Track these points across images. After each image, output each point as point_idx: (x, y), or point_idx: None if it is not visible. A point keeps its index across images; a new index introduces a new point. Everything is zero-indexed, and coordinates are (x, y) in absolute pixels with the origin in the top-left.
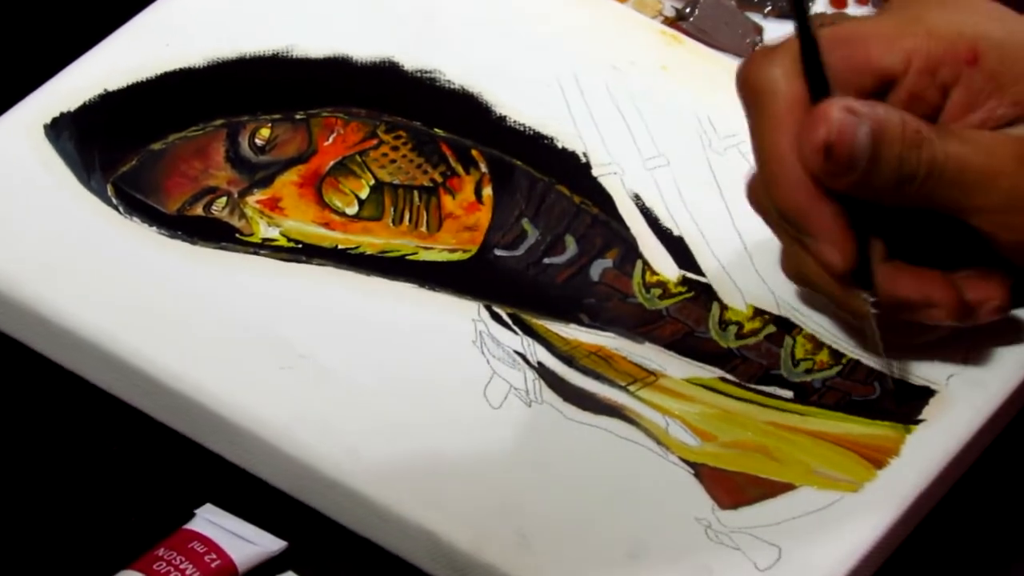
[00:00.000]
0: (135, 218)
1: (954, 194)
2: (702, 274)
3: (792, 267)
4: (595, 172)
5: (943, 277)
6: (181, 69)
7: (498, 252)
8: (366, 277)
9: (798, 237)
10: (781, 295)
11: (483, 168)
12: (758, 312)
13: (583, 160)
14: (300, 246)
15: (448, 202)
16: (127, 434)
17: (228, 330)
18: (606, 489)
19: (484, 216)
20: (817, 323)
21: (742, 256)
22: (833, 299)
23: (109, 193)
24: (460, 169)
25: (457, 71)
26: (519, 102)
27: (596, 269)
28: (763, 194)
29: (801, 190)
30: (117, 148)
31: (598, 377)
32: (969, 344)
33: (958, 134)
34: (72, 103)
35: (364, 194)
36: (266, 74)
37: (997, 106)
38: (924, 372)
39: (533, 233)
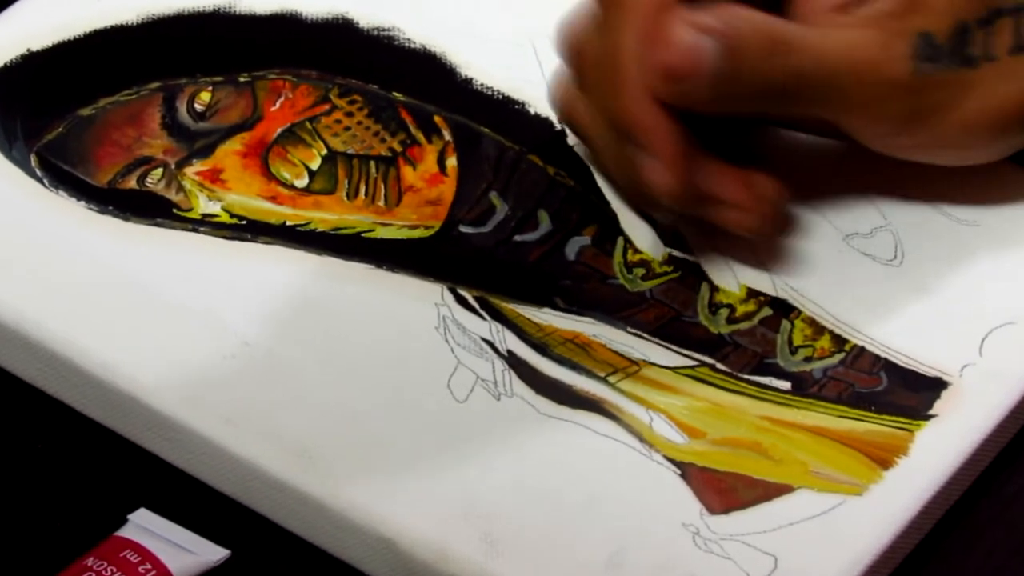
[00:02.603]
0: (61, 191)
1: (818, 98)
2: (690, 252)
3: (620, 166)
4: (570, 140)
5: (742, 175)
6: (113, 27)
7: (463, 229)
8: (318, 257)
9: (626, 145)
10: (778, 274)
11: (447, 136)
12: (752, 293)
13: (557, 127)
14: (244, 222)
15: (408, 174)
16: (52, 431)
17: (165, 316)
18: (583, 491)
19: (448, 189)
20: (818, 305)
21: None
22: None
23: (33, 164)
24: (421, 137)
25: (418, 29)
26: (487, 63)
27: (572, 247)
28: (587, 95)
29: (645, 102)
30: (41, 114)
31: (574, 367)
32: (986, 332)
33: (820, 31)
34: None
35: (315, 165)
36: (207, 32)
37: None
38: (936, 362)
39: (502, 208)
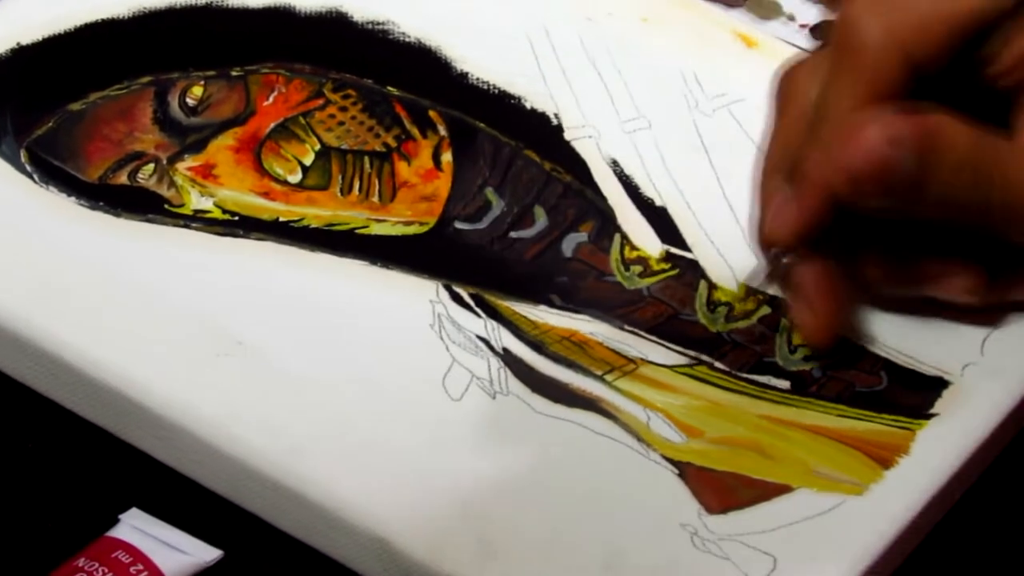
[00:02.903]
0: (51, 187)
1: (1015, 215)
2: (688, 249)
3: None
4: (568, 135)
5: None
6: (104, 20)
7: (459, 225)
8: (311, 253)
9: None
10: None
11: (442, 131)
12: (751, 291)
13: (554, 122)
14: (237, 218)
15: (403, 169)
16: (43, 430)
17: (156, 313)
18: (579, 491)
19: (443, 185)
20: None
21: (733, 229)
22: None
23: (23, 159)
24: (416, 132)
25: (413, 22)
26: (483, 57)
27: (569, 244)
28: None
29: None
30: (31, 109)
31: (571, 365)
32: (987, 331)
33: None
34: None
35: (309, 160)
36: (199, 26)
37: None
38: (937, 361)
39: (498, 204)
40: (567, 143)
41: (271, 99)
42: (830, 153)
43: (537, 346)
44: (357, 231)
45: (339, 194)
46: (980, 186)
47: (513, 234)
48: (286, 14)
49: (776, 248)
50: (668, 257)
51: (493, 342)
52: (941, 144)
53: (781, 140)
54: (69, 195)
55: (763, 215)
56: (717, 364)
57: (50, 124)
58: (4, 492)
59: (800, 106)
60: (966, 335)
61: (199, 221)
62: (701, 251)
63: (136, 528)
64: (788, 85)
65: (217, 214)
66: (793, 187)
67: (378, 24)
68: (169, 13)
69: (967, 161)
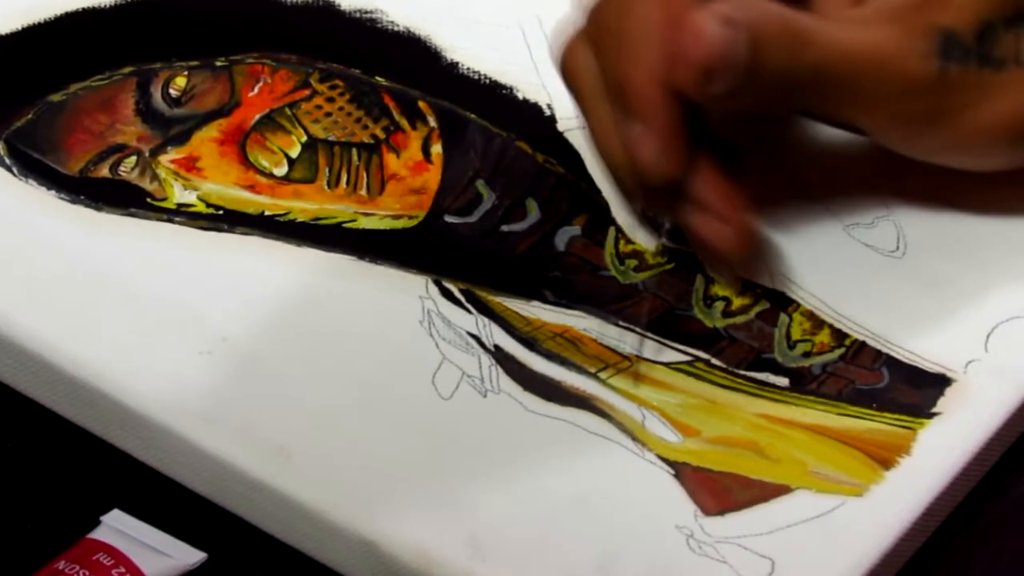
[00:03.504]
0: (31, 180)
1: (837, 95)
2: (684, 243)
3: (607, 134)
4: (560, 126)
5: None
6: (84, 9)
7: (449, 218)
8: (297, 248)
9: (622, 116)
10: (776, 265)
11: (432, 122)
12: (749, 285)
13: (547, 113)
14: (221, 212)
15: (392, 161)
16: (22, 429)
17: (138, 310)
18: (572, 492)
19: (433, 177)
20: (817, 298)
21: None
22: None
23: (1, 151)
24: (405, 123)
25: (402, 11)
26: (474, 47)
27: (562, 237)
28: (594, 52)
29: (655, 79)
30: (10, 100)
31: (564, 362)
32: (991, 327)
33: (840, 25)
34: None
35: (295, 152)
36: (182, 15)
37: None
38: (939, 358)
39: (489, 196)
40: (560, 134)
41: (256, 90)
42: (668, 57)
43: (529, 343)
44: (344, 225)
45: (326, 187)
46: (795, 54)
47: (505, 228)
48: (272, 2)
49: (661, 179)
50: (664, 251)
51: (484, 339)
52: (762, 18)
53: (598, 104)
54: (49, 188)
55: (640, 159)
56: (714, 361)
57: (29, 116)
58: None
59: (590, 70)
60: (970, 331)
61: (182, 215)
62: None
63: (118, 530)
64: (570, 63)
65: (201, 208)
66: (639, 122)
67: (366, 12)
68: (152, 1)
69: (783, 31)
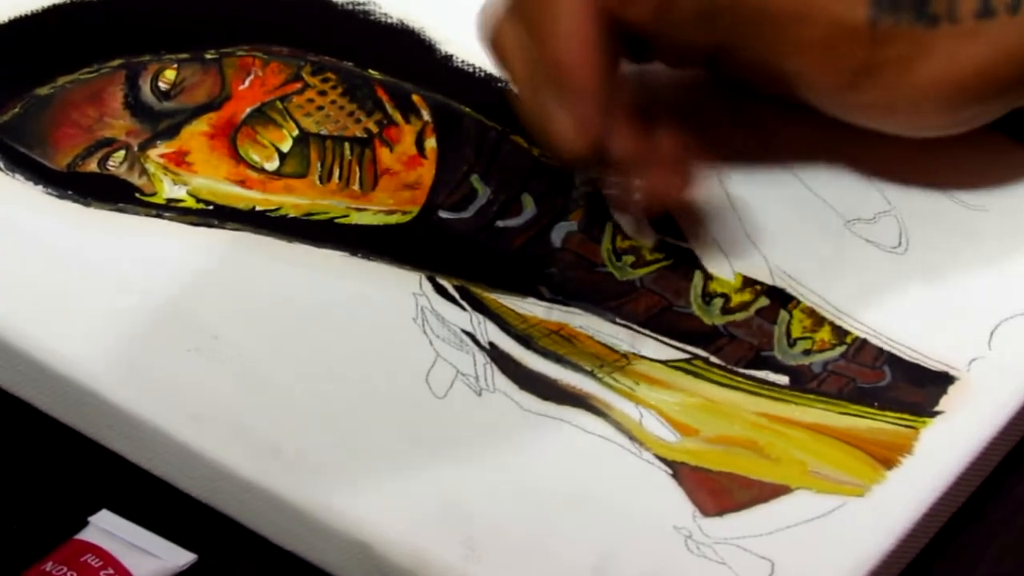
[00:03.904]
0: (18, 175)
1: (761, 30)
2: (683, 238)
3: (536, 107)
4: None
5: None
6: (72, 1)
7: (443, 214)
8: (288, 244)
9: (544, 83)
10: (776, 261)
11: (425, 116)
12: (748, 282)
13: None
14: (211, 207)
15: (385, 156)
16: (9, 429)
17: (127, 307)
18: (568, 493)
19: (427, 172)
20: (818, 295)
21: (730, 216)
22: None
23: None
24: (399, 117)
25: (395, 3)
26: (468, 39)
27: (558, 233)
28: (518, 22)
29: (576, 40)
30: None
31: (560, 360)
32: (995, 324)
33: None
34: None
35: (286, 147)
36: (172, 6)
37: None
38: (942, 355)
39: (484, 192)
40: None
41: (247, 83)
42: None
43: (525, 340)
44: (337, 221)
45: (318, 182)
46: None
47: (500, 223)
48: None
49: (588, 150)
50: (662, 247)
51: (479, 336)
52: None
53: (530, 79)
54: (36, 183)
55: (565, 129)
56: (713, 359)
57: (16, 109)
58: None
59: (521, 47)
60: (974, 329)
61: (172, 210)
62: (696, 240)
63: (106, 531)
64: (500, 38)
65: (191, 203)
66: (569, 90)
67: (359, 4)
68: None
69: None
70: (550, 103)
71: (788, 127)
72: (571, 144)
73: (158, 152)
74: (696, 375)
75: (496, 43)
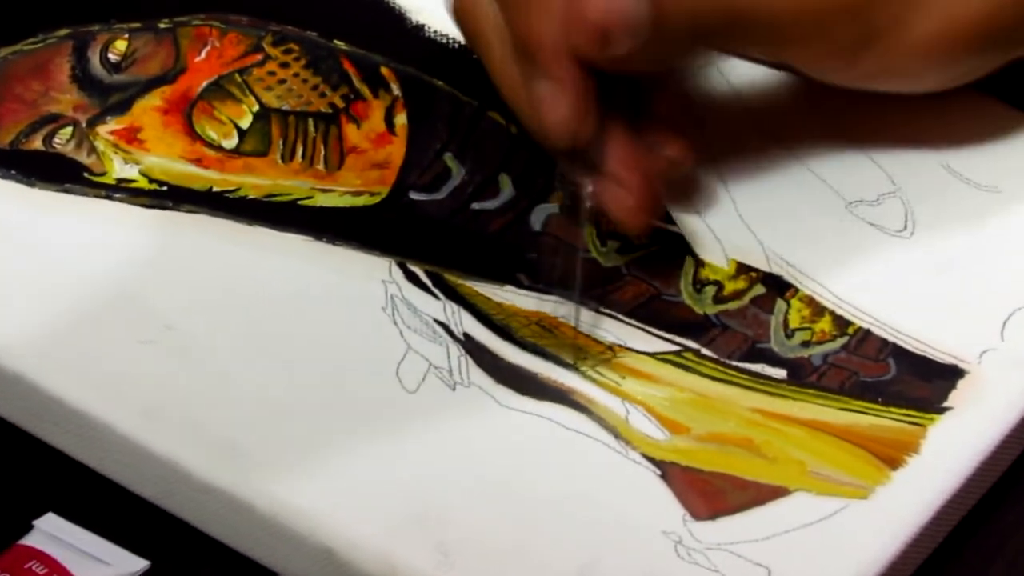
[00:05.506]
0: None
1: (758, 35)
2: (672, 222)
3: (513, 87)
4: None
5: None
6: None
7: (414, 195)
8: (248, 227)
9: (527, 69)
10: (772, 247)
11: (395, 90)
12: (742, 269)
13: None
14: (165, 188)
15: (352, 133)
16: None
17: (74, 294)
18: (550, 494)
19: (397, 150)
20: (818, 282)
21: (722, 198)
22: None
23: None
24: (366, 91)
25: None
26: (441, 7)
27: (538, 216)
28: (502, 8)
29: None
30: None
31: (540, 352)
32: (1008, 314)
33: None
34: None
35: (246, 123)
36: None
37: None
38: (951, 347)
39: (459, 171)
40: None
41: (203, 54)
42: (576, 23)
43: (502, 331)
44: (300, 202)
45: (280, 161)
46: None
47: (475, 205)
48: None
49: (567, 142)
50: (650, 231)
51: (453, 327)
52: None
53: (502, 54)
54: None
55: (549, 121)
56: (704, 351)
57: None
58: None
59: (491, 17)
60: (985, 318)
61: (123, 191)
62: (687, 224)
63: (52, 535)
64: (467, 5)
65: (143, 183)
66: (547, 82)
67: None
68: None
69: None
70: (536, 85)
71: (784, 100)
72: (565, 136)
73: (108, 129)
74: (687, 368)
75: (467, 15)
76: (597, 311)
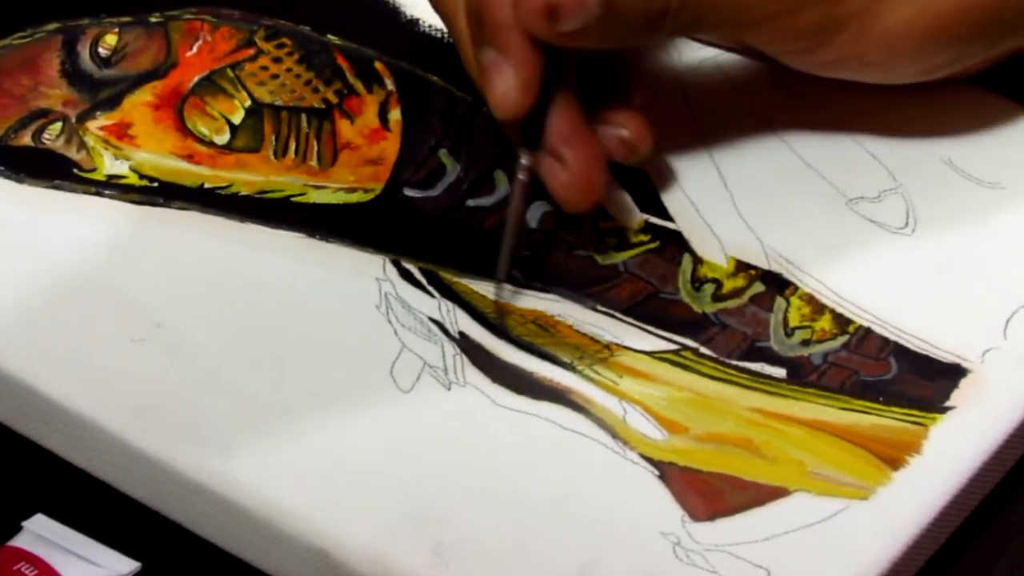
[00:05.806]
0: None
1: (717, 16)
2: (670, 219)
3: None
4: None
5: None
6: None
7: (409, 192)
8: (240, 224)
9: (479, 44)
10: (772, 244)
11: (389, 85)
12: (741, 267)
13: None
14: (156, 185)
15: (345, 128)
16: None
17: (64, 292)
18: (546, 495)
19: (391, 146)
20: (818, 280)
21: (721, 195)
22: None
23: None
24: (360, 86)
25: None
26: None
27: (534, 213)
28: None
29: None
30: None
31: (536, 351)
32: (1011, 312)
33: None
34: None
35: (238, 118)
36: None
37: None
38: (953, 346)
39: (453, 168)
40: None
41: (195, 49)
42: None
43: (498, 330)
44: (293, 199)
45: (272, 157)
46: None
47: (471, 202)
48: None
49: (508, 115)
50: (647, 227)
51: (448, 325)
52: None
53: (460, 20)
54: None
55: (490, 91)
56: (703, 349)
57: None
58: None
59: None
60: (987, 317)
61: (113, 188)
62: (685, 221)
63: (42, 537)
64: None
65: (133, 180)
66: (493, 51)
67: None
68: None
69: None
70: (488, 60)
71: (785, 97)
72: (504, 107)
73: (98, 124)
74: (685, 367)
75: None
76: (594, 309)
